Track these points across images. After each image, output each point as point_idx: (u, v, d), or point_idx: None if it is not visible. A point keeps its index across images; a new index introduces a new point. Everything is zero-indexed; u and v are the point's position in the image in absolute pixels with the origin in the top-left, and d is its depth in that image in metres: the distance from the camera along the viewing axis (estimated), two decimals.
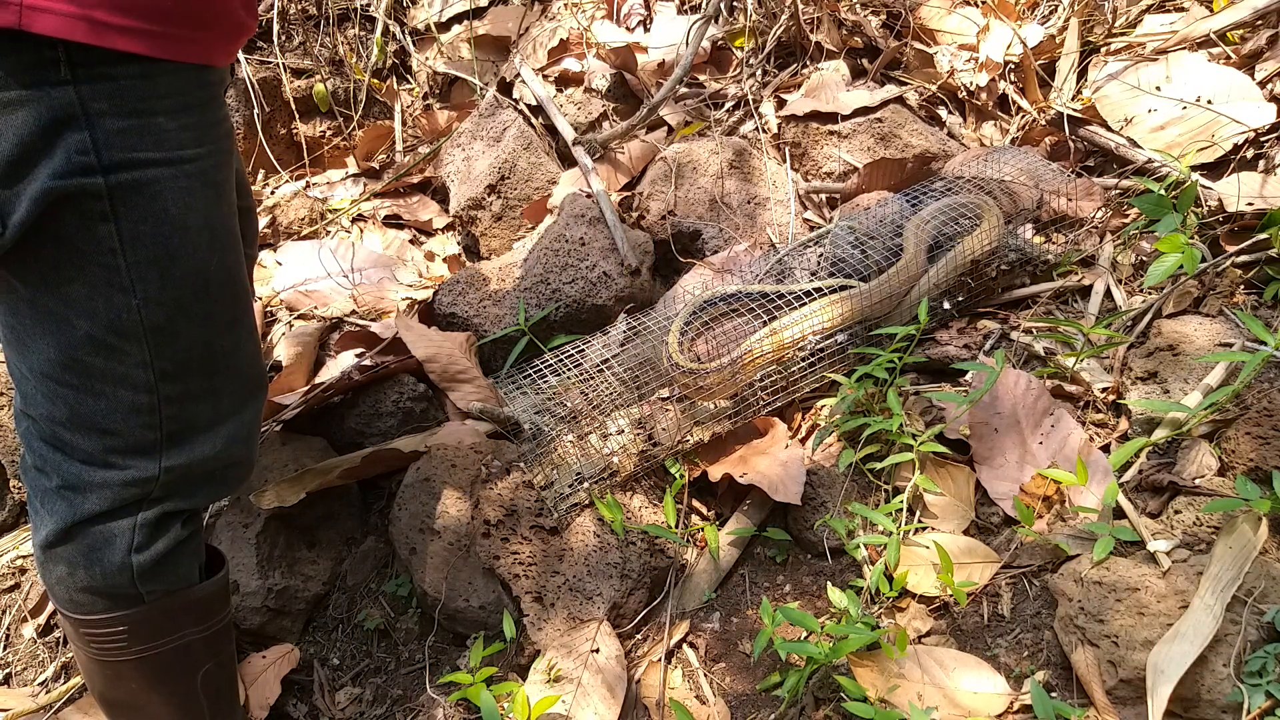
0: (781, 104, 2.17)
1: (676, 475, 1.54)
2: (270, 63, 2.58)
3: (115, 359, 1.06)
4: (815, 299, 1.60)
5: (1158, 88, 1.83)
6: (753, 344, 1.53)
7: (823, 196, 2.00)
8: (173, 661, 1.23)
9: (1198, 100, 1.77)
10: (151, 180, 0.99)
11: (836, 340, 1.58)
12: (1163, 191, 1.59)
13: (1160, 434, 1.36)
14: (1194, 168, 1.68)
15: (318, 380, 1.87)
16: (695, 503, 1.57)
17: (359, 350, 1.91)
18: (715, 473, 1.52)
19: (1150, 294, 1.59)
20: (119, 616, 1.18)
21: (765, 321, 1.59)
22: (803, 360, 1.57)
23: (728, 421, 1.55)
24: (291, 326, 2.08)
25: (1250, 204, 1.55)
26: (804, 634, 1.27)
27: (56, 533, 1.14)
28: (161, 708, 1.25)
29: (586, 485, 1.50)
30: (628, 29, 2.47)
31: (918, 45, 2.18)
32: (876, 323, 1.59)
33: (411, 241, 2.34)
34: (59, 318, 1.03)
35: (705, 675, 1.37)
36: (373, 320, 2.07)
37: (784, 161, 2.06)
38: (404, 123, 2.66)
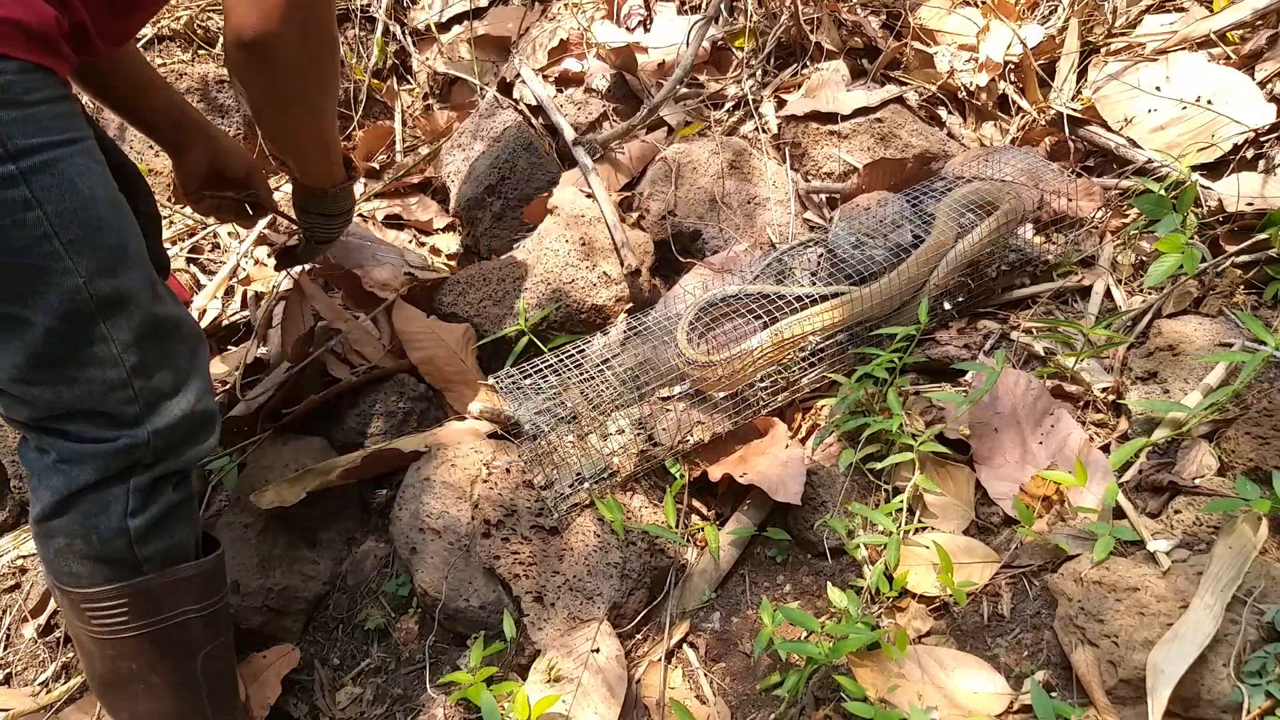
0: (781, 104, 2.17)
1: (676, 475, 1.54)
2: None
3: (78, 343, 1.10)
4: (823, 299, 1.60)
5: (1158, 88, 1.83)
6: (770, 336, 1.52)
7: (823, 196, 2.00)
8: (173, 639, 1.25)
9: (1198, 100, 1.78)
10: (56, 160, 1.06)
11: (838, 340, 1.58)
12: (1163, 192, 1.59)
13: (1160, 434, 1.36)
14: (1194, 168, 1.68)
15: (321, 383, 1.87)
16: (695, 503, 1.57)
17: (354, 316, 1.91)
18: (715, 473, 1.52)
19: (1150, 294, 1.59)
20: (119, 589, 1.20)
21: (773, 319, 1.59)
22: (803, 360, 1.57)
23: (728, 421, 1.55)
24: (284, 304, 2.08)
25: (1250, 204, 1.55)
26: (804, 634, 1.27)
27: (54, 504, 1.17)
28: (161, 689, 1.26)
29: (587, 485, 1.50)
30: (628, 29, 2.47)
31: (918, 45, 2.18)
32: (877, 324, 1.59)
33: (411, 241, 2.34)
34: (14, 320, 1.08)
35: (705, 675, 1.37)
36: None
37: (784, 161, 2.06)
38: (404, 123, 2.66)
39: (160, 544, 1.22)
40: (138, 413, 1.17)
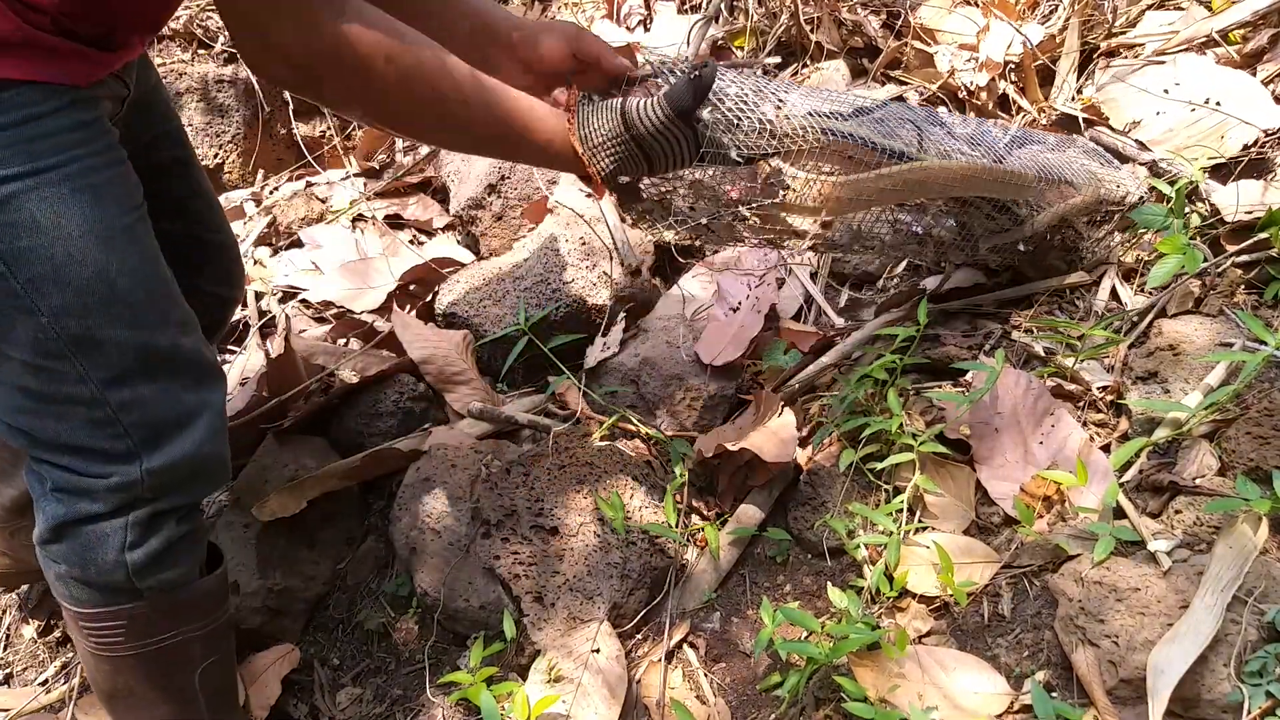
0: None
1: (677, 474, 1.54)
2: None
3: (54, 381, 1.06)
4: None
5: (1165, 90, 1.82)
6: (903, 169, 1.32)
7: None
8: (170, 658, 1.24)
9: (1206, 102, 1.76)
10: (12, 194, 0.98)
11: (914, 230, 1.45)
12: (1174, 193, 1.58)
13: (1161, 434, 1.36)
14: (1203, 169, 1.68)
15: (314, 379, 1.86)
16: (695, 502, 1.57)
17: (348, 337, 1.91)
18: (708, 446, 1.50)
19: (1153, 294, 1.59)
20: (116, 611, 1.18)
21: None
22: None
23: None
24: (287, 318, 2.09)
25: (1249, 212, 1.55)
26: (804, 634, 1.27)
27: (50, 530, 1.15)
28: (159, 704, 1.26)
29: (687, 225, 1.31)
30: (627, 29, 2.47)
31: (918, 45, 2.18)
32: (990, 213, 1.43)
33: (411, 241, 2.34)
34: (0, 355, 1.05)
35: (705, 675, 1.37)
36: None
37: None
38: None
39: (161, 575, 1.18)
40: (130, 448, 1.11)
